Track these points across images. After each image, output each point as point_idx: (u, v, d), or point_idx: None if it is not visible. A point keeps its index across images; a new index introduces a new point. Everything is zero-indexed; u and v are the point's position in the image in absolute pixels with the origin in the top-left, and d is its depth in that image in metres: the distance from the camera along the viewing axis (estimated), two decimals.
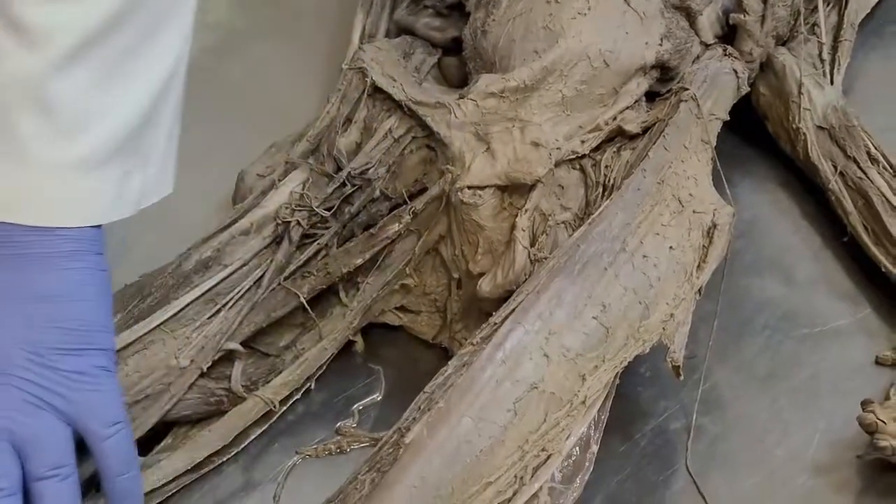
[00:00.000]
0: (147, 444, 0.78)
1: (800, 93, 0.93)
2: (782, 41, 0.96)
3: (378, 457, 0.69)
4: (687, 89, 0.84)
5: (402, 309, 0.87)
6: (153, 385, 0.77)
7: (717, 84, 0.87)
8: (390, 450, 0.69)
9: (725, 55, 0.90)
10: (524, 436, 0.70)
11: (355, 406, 0.83)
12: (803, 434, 0.80)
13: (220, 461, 0.79)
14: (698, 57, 0.90)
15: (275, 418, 0.81)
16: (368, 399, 0.84)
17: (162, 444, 0.79)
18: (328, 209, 0.83)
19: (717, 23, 0.93)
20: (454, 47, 0.93)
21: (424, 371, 0.78)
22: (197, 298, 0.79)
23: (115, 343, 0.73)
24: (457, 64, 0.93)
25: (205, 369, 0.78)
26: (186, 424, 0.80)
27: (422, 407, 0.70)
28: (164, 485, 0.76)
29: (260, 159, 0.94)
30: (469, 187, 0.80)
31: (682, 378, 0.76)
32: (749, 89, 0.93)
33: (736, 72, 0.89)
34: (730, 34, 0.94)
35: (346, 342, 0.85)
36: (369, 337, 0.87)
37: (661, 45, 0.87)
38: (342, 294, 0.84)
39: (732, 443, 0.80)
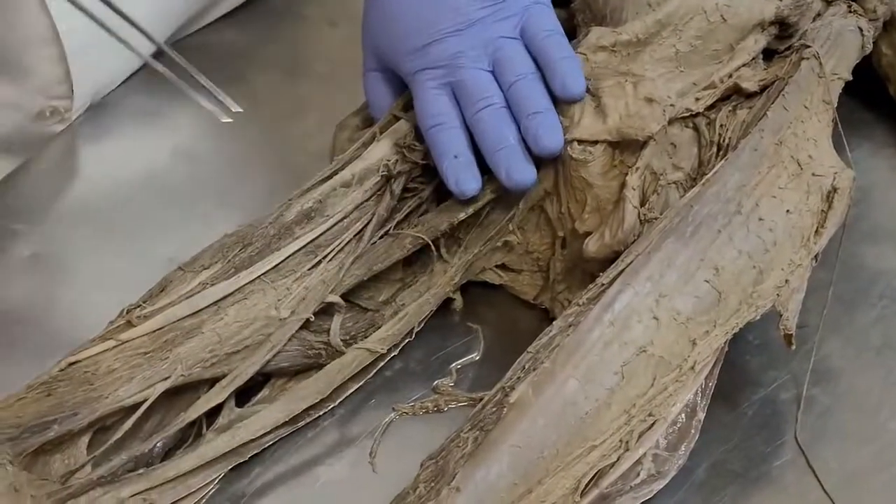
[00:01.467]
0: (246, 395, 0.80)
1: None
2: None
3: (481, 415, 0.70)
4: (809, 46, 0.83)
5: (503, 267, 0.88)
6: (253, 335, 0.78)
7: (840, 42, 0.87)
8: (494, 409, 0.70)
9: (850, 12, 0.89)
10: (631, 400, 0.71)
11: (453, 365, 0.84)
12: None
13: (317, 415, 0.80)
14: (819, 14, 0.89)
15: (372, 373, 0.83)
16: (466, 358, 0.85)
17: (259, 395, 0.80)
18: (430, 162, 0.84)
19: None
20: (564, 0, 0.94)
21: (524, 332, 0.79)
22: (298, 250, 0.80)
23: None
24: (566, 17, 0.93)
25: (311, 319, 0.79)
26: (284, 377, 0.81)
27: (526, 367, 0.71)
28: (261, 436, 0.78)
29: (358, 111, 0.95)
30: (579, 142, 0.81)
31: (793, 347, 0.76)
32: (871, 49, 0.93)
33: (861, 29, 0.88)
34: None
35: (445, 300, 0.86)
36: (468, 295, 0.88)
37: None
38: (443, 250, 0.85)
39: (844, 415, 0.80)
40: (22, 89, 0.97)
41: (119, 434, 0.73)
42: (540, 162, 0.82)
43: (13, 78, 0.96)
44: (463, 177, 0.81)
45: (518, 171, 0.80)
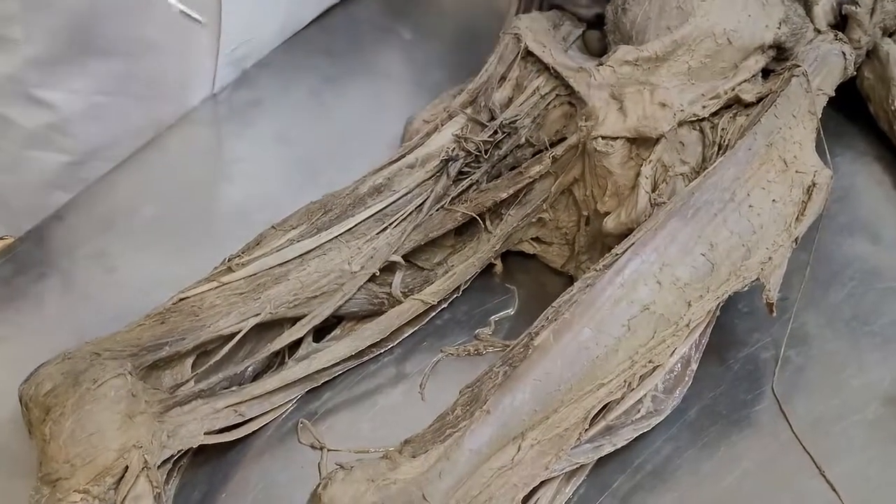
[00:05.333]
0: (321, 333, 0.82)
1: None
2: (888, 32, 0.95)
3: (510, 354, 0.72)
4: (799, 66, 0.84)
5: (536, 240, 0.89)
6: (329, 284, 0.80)
7: (826, 63, 0.87)
8: (521, 349, 0.71)
9: (836, 39, 0.90)
10: (635, 348, 0.72)
11: (492, 317, 0.85)
12: (879, 371, 0.80)
13: (378, 352, 0.83)
14: (811, 41, 0.90)
15: (426, 321, 0.84)
16: (503, 313, 0.86)
17: (332, 333, 0.83)
18: (481, 151, 0.86)
19: (831, 12, 0.93)
20: (597, 22, 0.94)
21: (552, 293, 0.79)
22: (369, 217, 0.82)
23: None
24: (598, 37, 0.95)
25: (377, 274, 0.81)
26: (353, 320, 0.83)
27: (549, 317, 0.73)
28: (332, 366, 0.80)
29: (427, 108, 0.97)
30: (602, 137, 0.82)
31: (774, 314, 0.77)
32: (855, 73, 0.93)
33: (844, 54, 0.89)
34: (841, 23, 0.93)
35: (488, 264, 0.88)
36: (507, 262, 0.89)
37: (779, 28, 0.87)
38: (488, 222, 0.87)
39: (814, 373, 0.81)
40: None
41: (217, 357, 0.76)
42: None
43: None
44: None
45: None
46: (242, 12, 0.97)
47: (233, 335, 0.76)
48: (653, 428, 0.75)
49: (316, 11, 1.10)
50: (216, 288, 0.77)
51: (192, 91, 1.00)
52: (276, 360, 0.81)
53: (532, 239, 0.89)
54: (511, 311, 0.86)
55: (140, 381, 0.72)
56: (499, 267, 0.89)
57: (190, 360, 0.76)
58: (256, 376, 0.79)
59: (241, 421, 0.76)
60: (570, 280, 0.87)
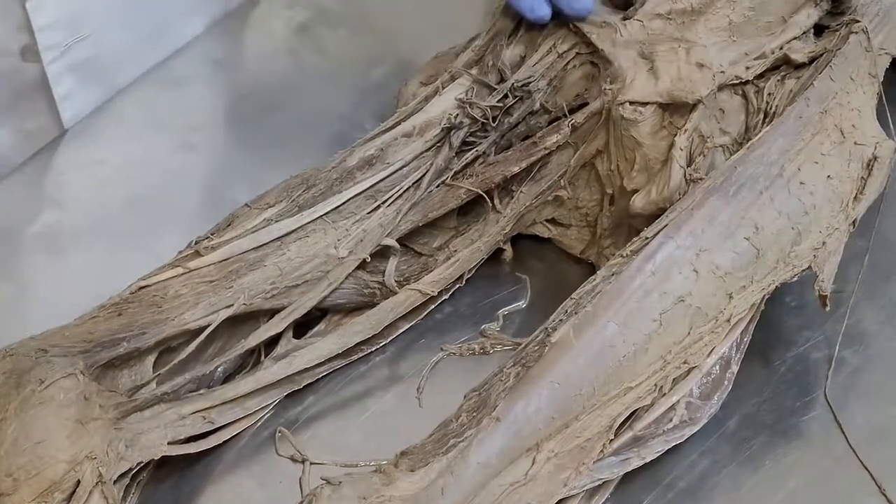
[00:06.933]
0: (303, 328, 0.82)
1: None
2: None
3: (524, 353, 0.71)
4: (858, 21, 0.84)
5: (552, 222, 0.89)
6: (312, 271, 0.80)
7: (890, 18, 0.87)
8: (536, 347, 0.71)
9: None
10: (667, 346, 0.72)
11: (500, 311, 0.86)
12: None
13: (368, 350, 0.83)
14: None
15: (424, 315, 0.85)
16: (513, 305, 0.86)
17: (316, 328, 0.83)
18: (488, 118, 0.85)
19: None
20: None
21: (570, 284, 0.79)
22: (359, 194, 0.82)
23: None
24: None
25: (368, 260, 0.81)
26: (340, 312, 0.83)
27: (569, 310, 0.72)
28: (315, 366, 0.80)
29: (423, 68, 0.97)
30: (630, 102, 0.82)
31: (828, 309, 0.77)
32: None
33: None
34: None
35: (497, 250, 0.88)
36: (518, 247, 0.89)
37: None
38: (496, 201, 0.86)
39: (872, 376, 0.81)
40: None
41: (183, 355, 0.76)
42: None
43: None
44: (537, 4, 0.87)
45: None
46: None
47: (201, 330, 0.76)
48: (687, 439, 0.75)
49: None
50: (182, 275, 0.77)
51: None
52: (251, 359, 0.81)
53: (547, 220, 0.89)
54: (522, 304, 0.87)
55: (93, 382, 0.72)
56: (508, 252, 0.89)
57: (151, 359, 0.76)
58: (228, 377, 0.80)
59: (210, 429, 0.76)
60: (591, 268, 0.87)
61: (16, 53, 0.93)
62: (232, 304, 0.77)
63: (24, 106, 0.96)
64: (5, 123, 0.95)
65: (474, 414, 0.69)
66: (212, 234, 0.80)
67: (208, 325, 0.76)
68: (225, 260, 0.78)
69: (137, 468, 0.72)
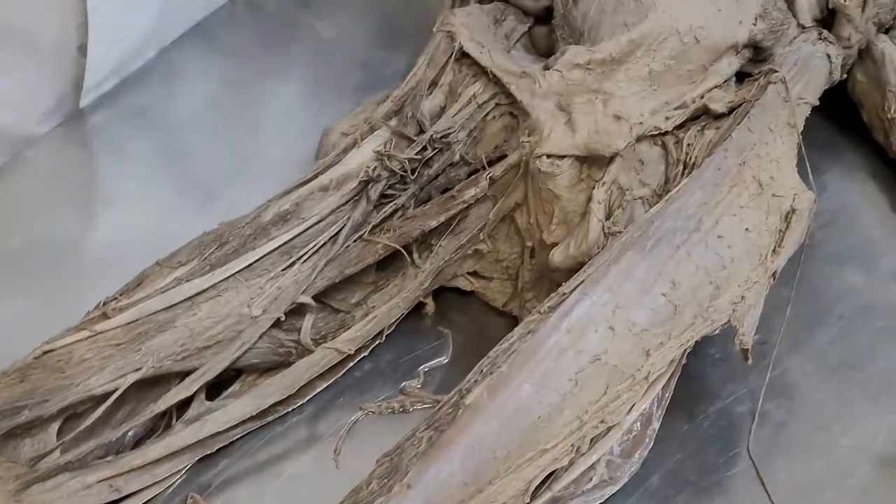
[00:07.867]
0: (216, 389, 0.81)
1: None
2: (884, 28, 0.95)
3: (437, 416, 0.70)
4: (776, 71, 0.83)
5: (474, 274, 0.88)
6: (225, 332, 0.79)
7: (808, 68, 0.87)
8: (450, 410, 0.70)
9: (820, 39, 0.90)
10: (584, 406, 0.71)
11: (422, 367, 0.85)
12: (871, 426, 0.80)
13: (284, 411, 0.81)
14: (793, 40, 0.90)
15: (342, 373, 0.83)
16: (435, 361, 0.85)
17: (230, 389, 0.81)
18: (407, 171, 0.85)
19: (817, 5, 0.92)
20: (546, 17, 0.94)
21: (493, 337, 0.79)
22: (273, 250, 0.81)
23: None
24: (546, 34, 0.94)
25: (282, 318, 0.80)
26: (254, 373, 0.82)
27: (484, 370, 0.72)
28: (229, 429, 0.79)
29: (346, 118, 0.96)
30: (548, 156, 0.81)
31: (750, 362, 0.77)
32: (843, 76, 0.93)
33: (829, 57, 0.89)
34: (829, 18, 0.93)
35: (417, 304, 0.87)
36: (440, 301, 0.88)
37: (755, 24, 0.87)
38: (415, 255, 0.86)
39: (797, 430, 0.80)
40: None
41: (89, 422, 0.75)
42: None
43: None
44: None
45: None
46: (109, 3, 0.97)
47: (108, 395, 0.75)
48: (608, 498, 0.74)
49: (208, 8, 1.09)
50: (88, 338, 0.76)
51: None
52: (162, 423, 0.79)
53: (469, 273, 0.89)
54: (444, 360, 0.86)
55: None
56: (430, 307, 0.88)
57: (55, 426, 0.75)
58: (137, 443, 0.78)
59: (116, 497, 0.75)
60: (515, 321, 0.86)
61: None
62: (140, 368, 0.76)
63: None
64: None
65: (385, 480, 0.68)
66: (120, 295, 0.79)
67: (115, 391, 0.75)
68: (133, 322, 0.77)
69: None
